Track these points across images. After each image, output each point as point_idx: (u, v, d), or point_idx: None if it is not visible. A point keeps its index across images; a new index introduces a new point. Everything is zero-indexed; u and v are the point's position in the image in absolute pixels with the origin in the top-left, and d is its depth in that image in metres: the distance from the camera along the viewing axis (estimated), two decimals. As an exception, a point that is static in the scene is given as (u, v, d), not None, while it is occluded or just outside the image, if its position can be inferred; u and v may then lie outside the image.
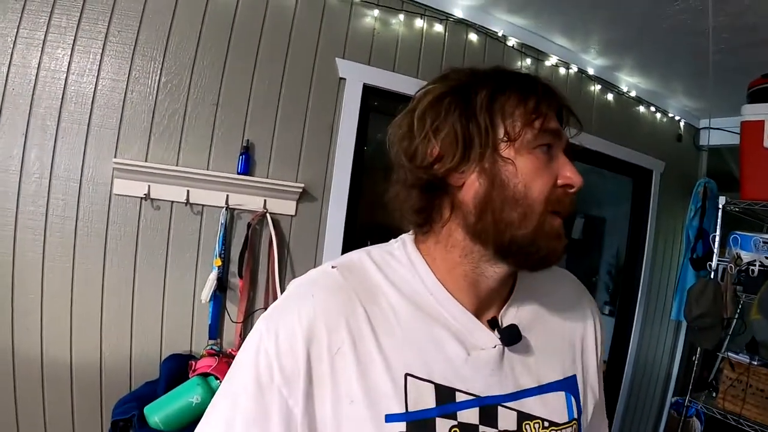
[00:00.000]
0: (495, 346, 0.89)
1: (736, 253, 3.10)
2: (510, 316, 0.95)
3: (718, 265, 3.23)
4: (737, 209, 3.28)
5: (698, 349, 3.42)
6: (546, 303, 1.02)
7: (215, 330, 2.76)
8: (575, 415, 0.96)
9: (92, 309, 2.54)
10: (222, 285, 2.74)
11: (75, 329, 2.50)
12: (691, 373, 3.41)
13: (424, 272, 0.92)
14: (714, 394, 3.30)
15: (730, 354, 3.13)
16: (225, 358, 2.55)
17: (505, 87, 0.88)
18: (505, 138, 0.85)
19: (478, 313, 0.92)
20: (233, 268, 2.80)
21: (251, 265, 2.83)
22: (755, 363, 2.96)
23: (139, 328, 2.62)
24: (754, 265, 3.00)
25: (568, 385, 0.98)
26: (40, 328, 2.45)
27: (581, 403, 0.99)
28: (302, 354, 0.80)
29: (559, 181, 0.88)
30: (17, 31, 2.37)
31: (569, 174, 0.87)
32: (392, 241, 1.01)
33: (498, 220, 0.85)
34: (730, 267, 3.06)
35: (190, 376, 2.48)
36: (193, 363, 2.55)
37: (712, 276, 3.22)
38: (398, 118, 0.95)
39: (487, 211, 0.86)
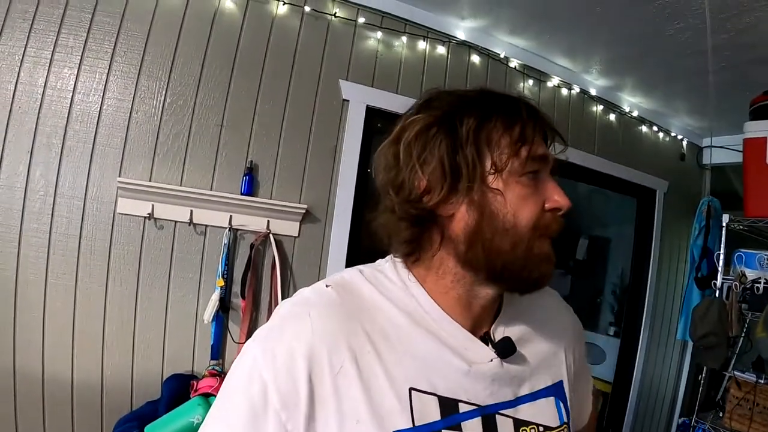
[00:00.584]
0: (492, 360, 0.90)
1: (741, 271, 3.09)
2: (501, 330, 0.96)
3: (722, 283, 3.22)
4: (741, 227, 3.28)
5: (704, 368, 3.39)
6: (531, 315, 1.04)
7: (217, 350, 2.75)
8: (565, 419, 0.98)
9: (94, 327, 2.53)
10: (224, 305, 2.74)
11: (77, 347, 2.50)
12: (697, 393, 3.39)
13: (419, 293, 0.92)
14: (721, 414, 3.26)
15: (736, 373, 3.10)
16: (227, 378, 2.54)
17: (490, 115, 0.88)
18: (492, 169, 0.86)
19: (472, 330, 0.93)
20: (236, 288, 2.79)
21: (254, 286, 2.83)
22: (762, 381, 2.93)
23: (141, 347, 2.62)
24: (759, 283, 2.99)
25: (557, 391, 0.99)
26: (42, 346, 2.45)
27: (569, 407, 1.00)
28: (303, 376, 0.79)
29: (547, 205, 0.89)
30: (24, 50, 2.42)
31: (557, 198, 0.89)
32: (380, 261, 1.01)
33: (489, 249, 0.86)
34: (735, 285, 3.05)
35: (191, 395, 2.47)
36: (195, 383, 2.55)
37: (716, 294, 3.21)
38: (384, 146, 0.96)
39: (477, 241, 0.87)
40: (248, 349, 0.84)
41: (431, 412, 0.82)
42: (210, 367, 2.69)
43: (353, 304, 0.89)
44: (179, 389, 2.54)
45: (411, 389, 0.83)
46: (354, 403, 0.80)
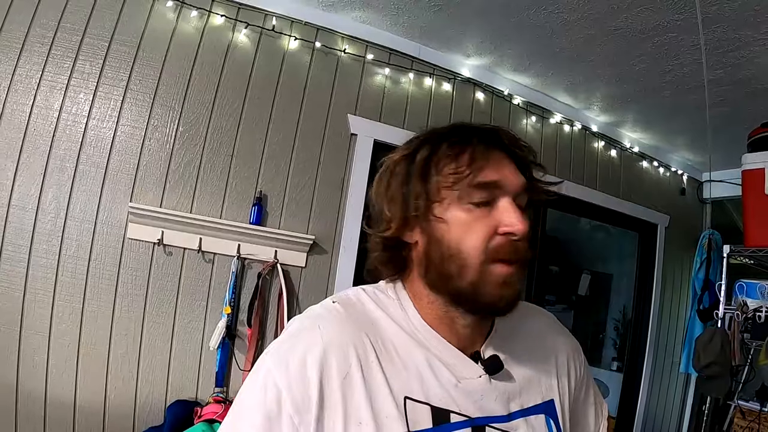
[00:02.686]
0: (480, 376, 0.94)
1: (743, 301, 3.09)
2: (491, 349, 1.00)
3: (725, 313, 3.22)
4: (742, 257, 3.29)
5: (708, 399, 3.37)
6: (523, 335, 1.08)
7: (222, 377, 2.74)
8: None
9: (99, 351, 2.54)
10: (231, 333, 2.75)
11: (81, 370, 2.50)
12: (701, 426, 3.35)
13: (410, 311, 0.97)
14: (726, 444, 3.24)
15: (740, 402, 3.07)
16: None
17: (439, 145, 0.93)
18: (436, 198, 0.91)
19: (462, 347, 0.96)
20: (242, 316, 2.81)
21: (261, 315, 2.83)
22: (766, 409, 2.90)
23: (145, 372, 2.61)
24: (761, 312, 2.98)
25: (548, 408, 1.02)
26: (46, 367, 2.45)
27: (561, 425, 1.03)
28: (315, 382, 0.83)
29: (500, 230, 0.89)
30: (42, 74, 2.50)
31: (508, 221, 0.88)
32: (381, 282, 1.05)
33: (440, 273, 0.91)
34: (737, 314, 3.04)
35: (195, 422, 2.45)
36: (199, 409, 2.54)
37: (719, 324, 3.21)
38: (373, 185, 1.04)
39: (430, 266, 0.93)
40: (262, 361, 0.89)
41: (424, 420, 0.86)
42: (214, 394, 2.68)
43: (358, 317, 0.94)
44: (182, 415, 2.53)
45: (406, 398, 0.87)
46: (357, 406, 0.84)
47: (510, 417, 0.94)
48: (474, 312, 0.93)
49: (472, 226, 0.89)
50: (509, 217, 0.88)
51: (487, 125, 0.97)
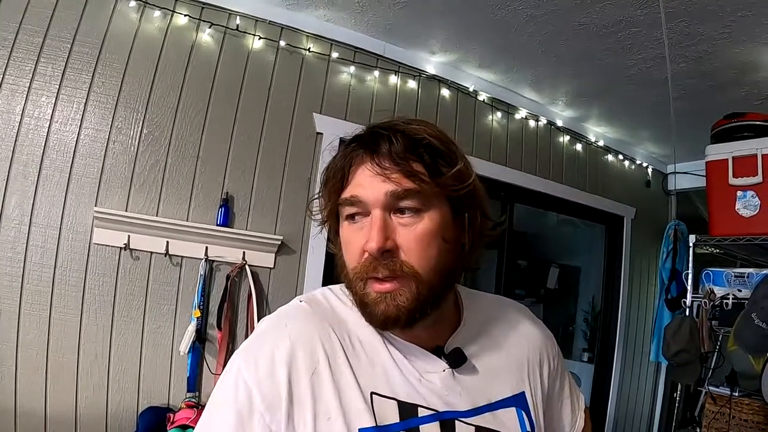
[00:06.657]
0: (444, 370, 0.95)
1: (710, 289, 3.13)
2: (457, 342, 1.00)
3: (692, 301, 3.26)
4: (708, 246, 3.35)
5: (679, 387, 3.42)
6: (492, 329, 1.08)
7: (194, 382, 2.71)
8: (528, 429, 1.00)
9: (68, 359, 2.48)
10: (201, 336, 2.72)
11: (50, 380, 2.45)
12: (674, 412, 3.40)
13: None
14: (698, 430, 3.27)
15: (711, 388, 3.12)
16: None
17: (330, 163, 0.95)
18: (335, 216, 0.95)
19: (424, 344, 0.96)
20: (212, 319, 2.78)
21: (230, 317, 2.81)
22: (736, 394, 2.94)
23: (116, 379, 2.57)
24: (728, 299, 3.04)
25: (518, 401, 1.02)
26: (15, 378, 2.39)
27: (533, 418, 1.03)
28: (283, 379, 0.84)
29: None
30: (2, 78, 2.43)
31: (363, 239, 0.87)
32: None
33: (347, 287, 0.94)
34: (705, 302, 3.08)
35: (168, 428, 2.42)
36: (171, 415, 2.50)
37: (687, 313, 3.25)
38: None
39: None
40: (233, 361, 0.89)
41: (391, 415, 0.87)
42: (186, 399, 2.65)
43: (325, 314, 0.95)
44: (155, 422, 2.49)
45: (372, 393, 0.88)
46: (326, 401, 0.85)
47: (478, 411, 0.94)
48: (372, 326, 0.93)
49: (350, 244, 0.90)
50: (366, 234, 0.87)
51: (373, 127, 0.94)
